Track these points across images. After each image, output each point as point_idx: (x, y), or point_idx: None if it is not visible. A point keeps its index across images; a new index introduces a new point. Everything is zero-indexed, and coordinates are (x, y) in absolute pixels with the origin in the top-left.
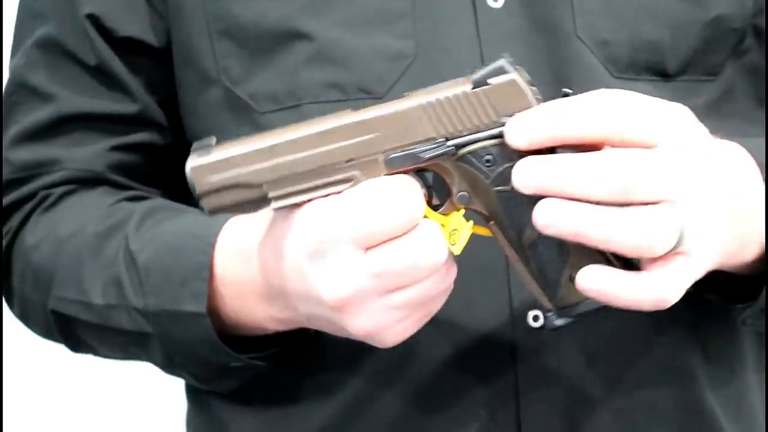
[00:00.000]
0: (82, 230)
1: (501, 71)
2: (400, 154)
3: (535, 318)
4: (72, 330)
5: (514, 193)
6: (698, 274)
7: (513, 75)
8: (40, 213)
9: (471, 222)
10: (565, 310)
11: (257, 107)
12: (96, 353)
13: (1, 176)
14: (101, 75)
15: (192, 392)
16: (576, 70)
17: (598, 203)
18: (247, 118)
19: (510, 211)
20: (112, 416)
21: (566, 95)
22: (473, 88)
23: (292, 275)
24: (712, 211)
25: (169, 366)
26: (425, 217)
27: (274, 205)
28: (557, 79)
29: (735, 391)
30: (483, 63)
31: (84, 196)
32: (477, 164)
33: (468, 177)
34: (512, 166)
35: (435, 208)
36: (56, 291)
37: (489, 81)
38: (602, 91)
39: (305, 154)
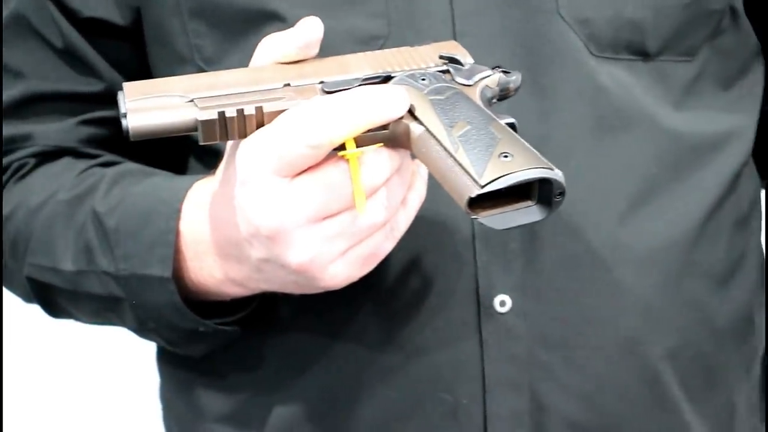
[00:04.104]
0: (53, 197)
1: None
2: (337, 79)
3: (502, 303)
4: (48, 296)
5: (449, 100)
6: None
7: (454, 41)
8: (12, 184)
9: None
10: (489, 184)
11: None
12: (74, 318)
13: None
14: (68, 56)
15: (164, 367)
16: (555, 48)
17: None
18: None
19: (444, 113)
20: (111, 416)
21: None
22: None
23: (238, 215)
24: None
25: (142, 330)
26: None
27: (200, 114)
28: (533, 56)
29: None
30: (455, 38)
31: (56, 164)
32: (412, 82)
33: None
34: (447, 86)
35: None
36: (30, 258)
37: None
38: None
39: (241, 76)
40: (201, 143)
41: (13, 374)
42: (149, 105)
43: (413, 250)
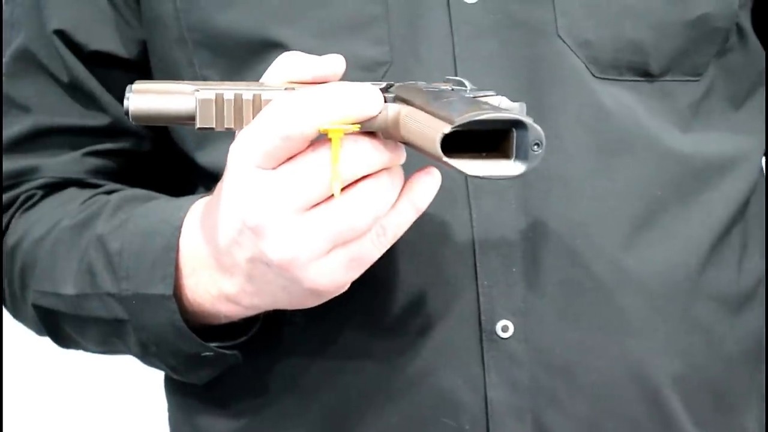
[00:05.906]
0: (57, 225)
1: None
2: None
3: (504, 328)
4: (55, 323)
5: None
6: None
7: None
8: (20, 214)
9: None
10: (462, 118)
11: None
12: (82, 348)
13: None
14: (73, 90)
15: (170, 392)
16: (555, 70)
17: None
18: None
19: (435, 95)
20: (111, 416)
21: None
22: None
23: (225, 214)
24: None
25: (145, 355)
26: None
27: (199, 94)
28: (534, 78)
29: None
30: (455, 62)
31: (62, 194)
32: (411, 83)
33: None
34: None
35: None
36: (34, 285)
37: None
38: None
39: (248, 83)
40: (197, 127)
41: (13, 374)
42: (154, 88)
43: (416, 275)
